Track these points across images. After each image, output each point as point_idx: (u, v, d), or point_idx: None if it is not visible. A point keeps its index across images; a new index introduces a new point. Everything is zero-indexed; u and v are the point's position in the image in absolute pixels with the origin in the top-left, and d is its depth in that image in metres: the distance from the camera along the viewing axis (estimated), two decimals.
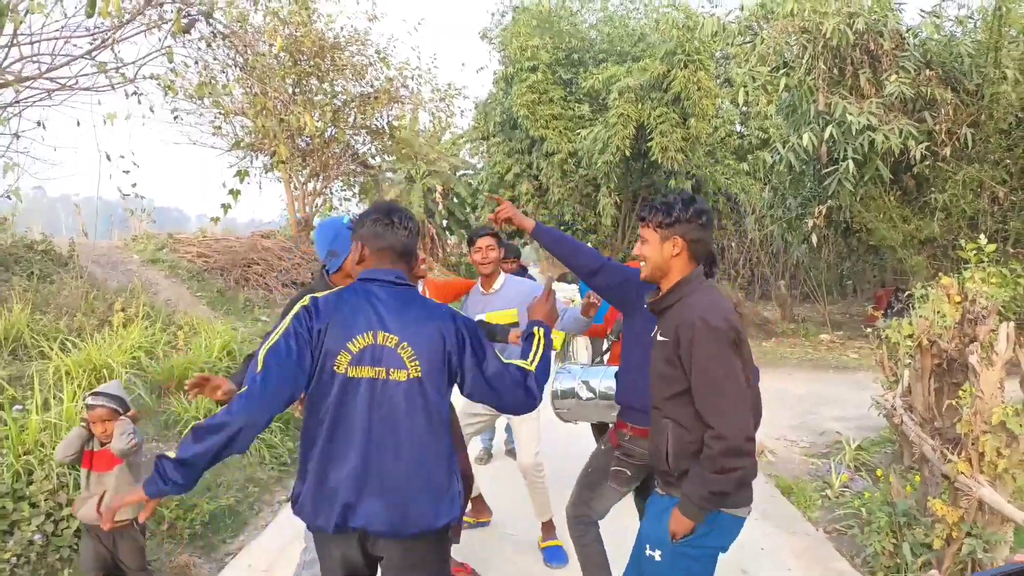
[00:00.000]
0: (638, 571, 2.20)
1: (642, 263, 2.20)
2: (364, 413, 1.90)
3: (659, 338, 2.14)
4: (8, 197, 7.32)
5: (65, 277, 7.02)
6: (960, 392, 3.31)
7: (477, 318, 3.68)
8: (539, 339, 2.14)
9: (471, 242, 3.81)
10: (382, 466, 1.89)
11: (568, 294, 8.89)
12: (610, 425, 3.35)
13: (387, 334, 1.93)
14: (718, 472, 1.95)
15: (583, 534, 2.93)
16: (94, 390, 3.04)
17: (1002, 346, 3.06)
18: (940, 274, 6.29)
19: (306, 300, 1.98)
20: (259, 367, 1.85)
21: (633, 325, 2.84)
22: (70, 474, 3.55)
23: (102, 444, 2.94)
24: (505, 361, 2.05)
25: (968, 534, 3.09)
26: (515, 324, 3.66)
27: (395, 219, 2.06)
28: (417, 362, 1.93)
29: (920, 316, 4.46)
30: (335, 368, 1.90)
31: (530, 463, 3.77)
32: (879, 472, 4.63)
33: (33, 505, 3.38)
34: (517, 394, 2.03)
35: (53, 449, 3.57)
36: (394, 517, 1.89)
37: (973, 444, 3.06)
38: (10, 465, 3.46)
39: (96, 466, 2.96)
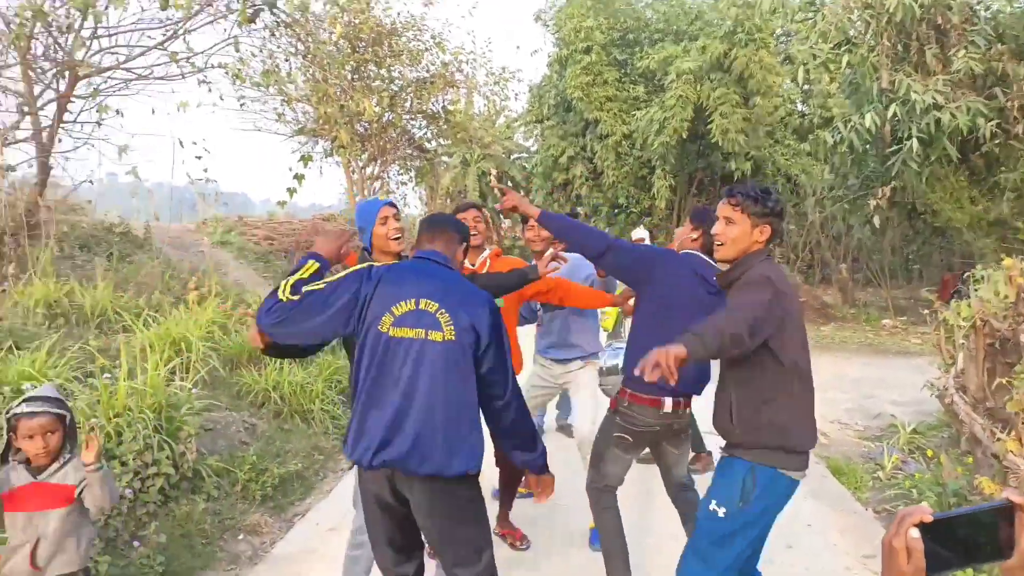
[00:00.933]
0: (698, 524, 2.38)
1: (720, 243, 2.34)
2: (402, 367, 2.16)
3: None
4: (91, 182, 7.82)
5: (142, 258, 7.47)
6: (1013, 372, 3.30)
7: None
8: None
9: (524, 220, 3.93)
10: (410, 412, 2.14)
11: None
12: None
13: (429, 301, 2.18)
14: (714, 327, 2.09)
15: (596, 500, 3.06)
16: (25, 396, 2.44)
17: None
18: (1004, 256, 6.12)
19: (365, 265, 2.30)
20: (296, 297, 2.20)
21: (643, 300, 2.96)
22: (155, 436, 3.86)
23: (35, 468, 2.30)
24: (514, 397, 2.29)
25: None
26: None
27: (458, 215, 2.44)
28: (452, 327, 2.16)
29: (977, 297, 4.41)
30: (379, 328, 2.17)
31: (586, 434, 3.87)
32: (930, 453, 4.60)
33: (123, 463, 3.69)
34: (504, 413, 2.28)
35: (140, 414, 3.89)
36: (413, 456, 2.13)
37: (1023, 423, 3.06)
38: (102, 427, 3.78)
39: (29, 503, 2.26)
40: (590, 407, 3.92)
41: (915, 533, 0.83)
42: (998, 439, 3.19)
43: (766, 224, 2.29)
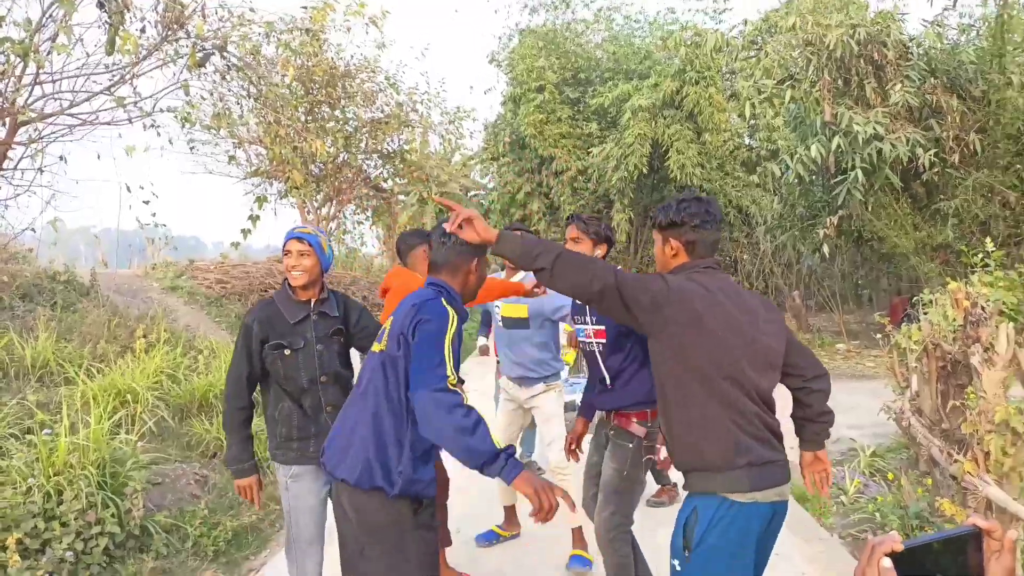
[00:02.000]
0: None
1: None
2: (360, 379, 2.31)
3: None
4: (33, 230, 7.56)
5: (88, 306, 7.21)
6: (965, 393, 3.36)
7: (494, 304, 3.92)
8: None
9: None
10: (349, 421, 2.24)
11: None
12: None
13: (390, 318, 2.29)
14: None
15: (618, 539, 2.97)
16: None
17: (1002, 346, 3.11)
18: (952, 280, 6.32)
19: None
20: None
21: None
22: (98, 494, 3.67)
23: None
24: (441, 370, 2.02)
25: None
26: (524, 319, 3.86)
27: (432, 238, 2.39)
28: (388, 338, 2.21)
29: (927, 321, 4.51)
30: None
31: (557, 460, 3.87)
32: (891, 476, 4.64)
33: (64, 524, 3.49)
34: (434, 397, 1.98)
35: (83, 470, 3.70)
36: (334, 462, 2.22)
37: (978, 444, 3.11)
38: (41, 486, 3.58)
39: None
40: (557, 431, 3.93)
41: (887, 563, 0.82)
42: (955, 461, 3.23)
43: (672, 238, 2.24)
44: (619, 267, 2.18)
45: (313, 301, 2.84)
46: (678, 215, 2.20)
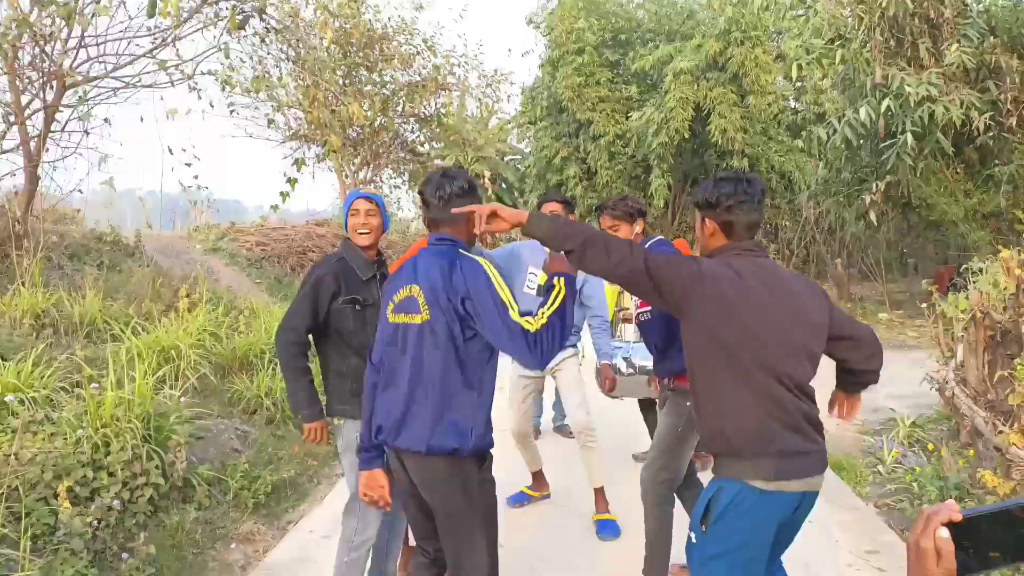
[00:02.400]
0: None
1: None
2: (397, 352, 2.28)
3: None
4: (80, 191, 7.74)
5: (132, 266, 7.40)
6: (1014, 364, 3.26)
7: (530, 271, 3.82)
8: (559, 291, 2.15)
9: (539, 207, 3.92)
10: (402, 394, 2.25)
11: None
12: (656, 400, 3.44)
13: (414, 286, 2.26)
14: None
15: (660, 493, 3.04)
16: None
17: None
18: (1001, 248, 6.09)
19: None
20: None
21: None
22: (143, 446, 3.80)
23: None
24: (511, 317, 2.11)
25: None
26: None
27: (426, 196, 2.34)
28: (427, 307, 2.21)
29: (976, 289, 4.36)
30: (387, 316, 2.33)
31: (583, 421, 3.89)
32: (931, 447, 4.55)
33: (111, 474, 3.62)
34: (519, 347, 2.10)
35: (128, 424, 3.83)
36: (403, 435, 2.23)
37: None
38: (89, 437, 3.71)
39: None
40: (580, 395, 3.95)
41: (944, 533, 0.78)
42: (1000, 432, 3.15)
43: (707, 218, 2.18)
44: (651, 248, 2.17)
45: (374, 261, 2.93)
46: (713, 195, 2.13)
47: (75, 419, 3.78)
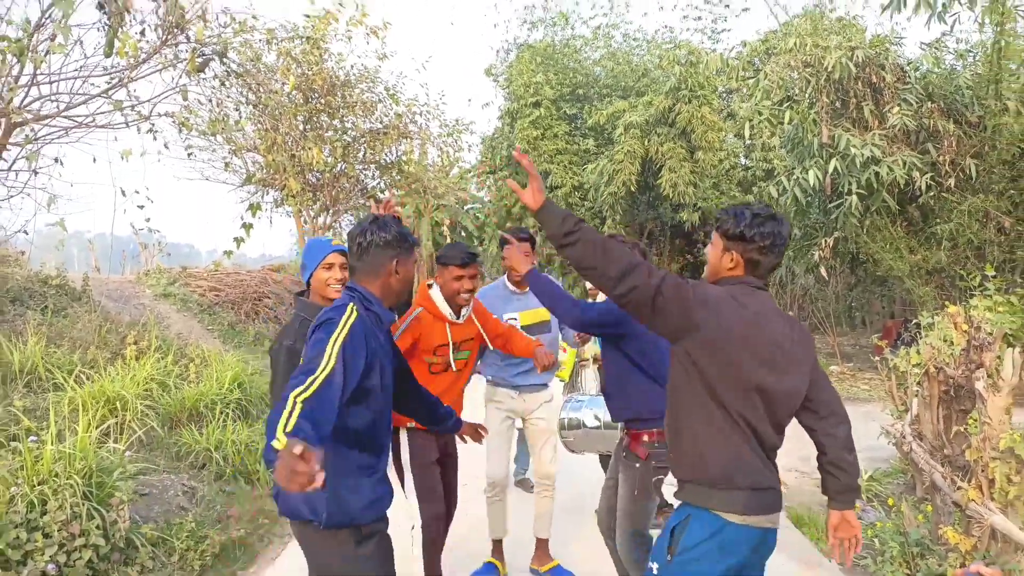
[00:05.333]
0: None
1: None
2: None
3: None
4: (25, 232, 7.47)
5: (79, 311, 7.12)
6: (968, 419, 3.33)
7: (507, 317, 3.73)
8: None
9: (504, 243, 3.81)
10: None
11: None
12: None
13: None
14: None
15: (640, 550, 2.97)
16: None
17: (1008, 372, 3.08)
18: (947, 304, 6.31)
19: None
20: None
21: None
22: (83, 504, 3.58)
23: None
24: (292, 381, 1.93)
25: None
26: (547, 322, 3.82)
27: (348, 243, 2.31)
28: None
29: (927, 344, 4.48)
30: None
31: (548, 471, 3.85)
32: (891, 501, 4.59)
33: (47, 535, 3.40)
34: (277, 409, 1.86)
35: (68, 479, 3.61)
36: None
37: (983, 471, 3.06)
38: (24, 495, 3.48)
39: None
40: (552, 448, 3.90)
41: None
42: (959, 487, 3.19)
43: (734, 251, 2.11)
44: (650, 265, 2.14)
45: None
46: (750, 230, 2.08)
47: (10, 475, 3.56)
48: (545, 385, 3.97)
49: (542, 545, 3.88)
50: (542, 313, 3.77)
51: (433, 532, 3.13)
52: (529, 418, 3.94)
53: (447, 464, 3.36)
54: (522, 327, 3.76)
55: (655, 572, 2.07)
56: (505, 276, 3.96)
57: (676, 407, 2.10)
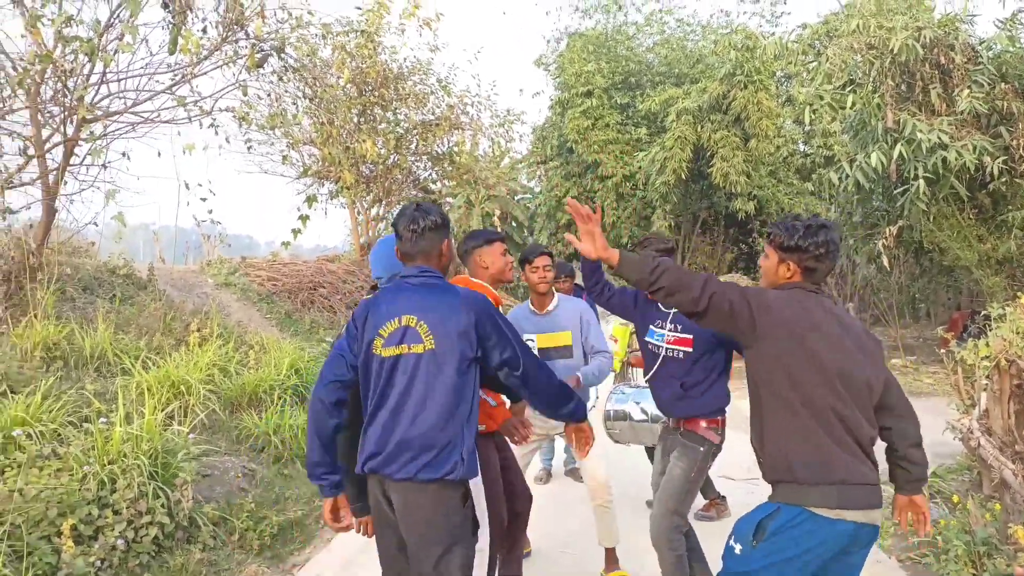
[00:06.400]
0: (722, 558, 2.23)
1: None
2: (393, 383, 2.29)
3: None
4: (95, 224, 7.80)
5: (145, 299, 7.40)
6: None
7: (525, 338, 3.51)
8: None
9: (526, 261, 3.72)
10: (397, 423, 2.26)
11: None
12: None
13: (410, 316, 2.31)
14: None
15: (677, 543, 3.01)
16: None
17: None
18: (1019, 294, 6.01)
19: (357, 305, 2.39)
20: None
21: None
22: (150, 484, 3.73)
23: None
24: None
25: None
26: (568, 347, 3.66)
27: (399, 229, 2.42)
28: (432, 336, 2.27)
29: (998, 336, 4.28)
30: (373, 351, 2.33)
31: (599, 482, 3.67)
32: (955, 499, 4.42)
33: (116, 512, 3.56)
34: (529, 379, 2.39)
35: (135, 460, 3.77)
36: (392, 462, 2.23)
37: None
38: (96, 474, 3.66)
39: None
40: (599, 458, 3.70)
41: None
42: None
43: (791, 261, 2.21)
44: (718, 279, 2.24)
45: None
46: (804, 240, 2.18)
47: (82, 454, 3.74)
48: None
49: (609, 552, 3.77)
50: (562, 338, 3.63)
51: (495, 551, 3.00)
52: (553, 431, 3.80)
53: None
54: (538, 350, 3.61)
55: (736, 552, 2.12)
56: (530, 300, 3.84)
57: (760, 409, 2.16)
